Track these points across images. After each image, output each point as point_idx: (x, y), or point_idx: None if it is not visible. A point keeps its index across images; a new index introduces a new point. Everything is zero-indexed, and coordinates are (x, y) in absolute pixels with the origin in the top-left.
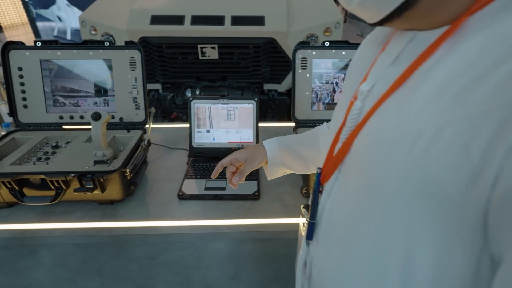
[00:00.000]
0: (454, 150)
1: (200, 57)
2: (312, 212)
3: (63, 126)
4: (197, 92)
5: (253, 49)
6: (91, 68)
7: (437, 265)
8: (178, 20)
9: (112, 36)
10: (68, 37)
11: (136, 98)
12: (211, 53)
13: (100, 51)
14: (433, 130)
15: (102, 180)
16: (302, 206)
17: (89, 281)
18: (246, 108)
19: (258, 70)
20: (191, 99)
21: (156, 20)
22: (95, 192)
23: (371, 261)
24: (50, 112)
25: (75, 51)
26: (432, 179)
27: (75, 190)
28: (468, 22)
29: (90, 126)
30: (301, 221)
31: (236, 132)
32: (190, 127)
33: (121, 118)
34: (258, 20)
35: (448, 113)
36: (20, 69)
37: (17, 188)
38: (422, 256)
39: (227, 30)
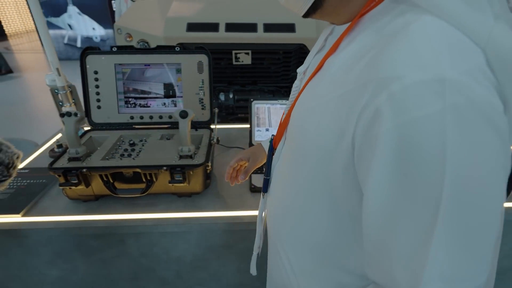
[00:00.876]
0: (334, 116)
1: (234, 62)
2: (267, 170)
3: (134, 126)
4: (230, 96)
5: (284, 54)
6: (161, 71)
7: (325, 208)
8: (213, 27)
9: (147, 42)
10: (78, 44)
11: (202, 99)
12: (245, 58)
13: (171, 55)
14: (328, 101)
15: (191, 173)
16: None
17: (166, 270)
18: None
19: (287, 75)
20: (251, 100)
21: (192, 27)
22: (179, 184)
23: (303, 203)
24: (121, 112)
25: (147, 55)
26: (322, 138)
27: (170, 182)
28: (361, 20)
29: (159, 126)
30: None
31: None
32: (251, 126)
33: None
34: (289, 27)
35: (335, 89)
36: (95, 72)
37: (111, 181)
38: (319, 201)
39: (261, 36)
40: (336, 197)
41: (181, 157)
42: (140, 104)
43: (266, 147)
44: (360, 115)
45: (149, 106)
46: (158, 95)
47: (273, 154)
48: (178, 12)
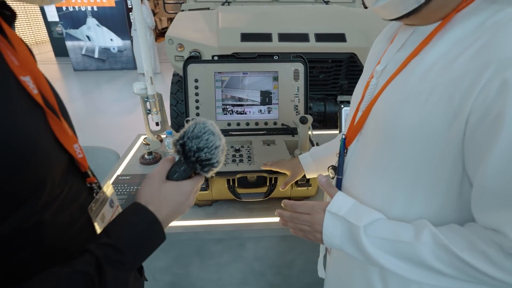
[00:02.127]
0: (442, 100)
1: None
2: (339, 169)
3: (230, 133)
4: None
5: (335, 63)
6: (258, 79)
7: (430, 191)
8: (266, 37)
9: (199, 52)
10: (96, 55)
11: (297, 106)
12: None
13: (269, 64)
14: (428, 90)
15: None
16: (328, 167)
17: (276, 275)
18: None
19: (336, 83)
20: (342, 106)
21: (246, 37)
22: (301, 188)
23: (383, 195)
24: (219, 119)
25: (246, 64)
26: (428, 122)
27: (298, 186)
28: (455, 17)
29: (255, 133)
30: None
31: None
32: (340, 131)
33: (282, 124)
34: (340, 37)
35: (438, 78)
36: (196, 80)
37: (236, 186)
38: (422, 184)
39: (313, 46)
40: (440, 178)
41: None
42: (237, 111)
43: (305, 163)
44: (479, 94)
45: (245, 113)
46: (254, 102)
47: (345, 153)
48: (230, 23)
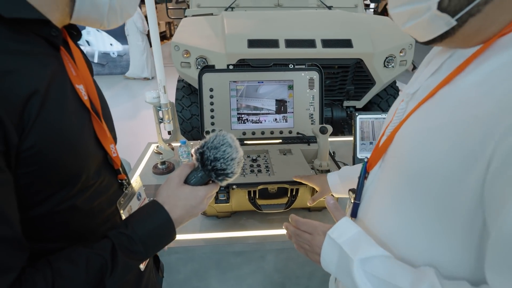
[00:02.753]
0: (463, 139)
1: None
2: (358, 194)
3: (245, 141)
4: None
5: (341, 68)
6: (274, 88)
7: (446, 237)
8: (273, 43)
9: (205, 58)
10: (95, 60)
11: (312, 114)
12: None
13: (284, 72)
14: (451, 125)
15: None
16: (349, 190)
17: (295, 285)
18: None
19: (343, 88)
20: (356, 114)
21: (253, 43)
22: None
23: (395, 230)
24: (234, 128)
25: (261, 73)
26: (445, 162)
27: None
28: (497, 42)
29: (271, 142)
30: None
31: None
32: (355, 139)
33: (298, 133)
34: (347, 43)
35: (464, 112)
36: (211, 89)
37: (257, 197)
38: (438, 227)
39: (320, 52)
40: (457, 225)
41: (318, 171)
42: (252, 120)
43: (332, 183)
44: (504, 136)
45: (260, 122)
46: (270, 111)
47: (365, 177)
48: (236, 29)
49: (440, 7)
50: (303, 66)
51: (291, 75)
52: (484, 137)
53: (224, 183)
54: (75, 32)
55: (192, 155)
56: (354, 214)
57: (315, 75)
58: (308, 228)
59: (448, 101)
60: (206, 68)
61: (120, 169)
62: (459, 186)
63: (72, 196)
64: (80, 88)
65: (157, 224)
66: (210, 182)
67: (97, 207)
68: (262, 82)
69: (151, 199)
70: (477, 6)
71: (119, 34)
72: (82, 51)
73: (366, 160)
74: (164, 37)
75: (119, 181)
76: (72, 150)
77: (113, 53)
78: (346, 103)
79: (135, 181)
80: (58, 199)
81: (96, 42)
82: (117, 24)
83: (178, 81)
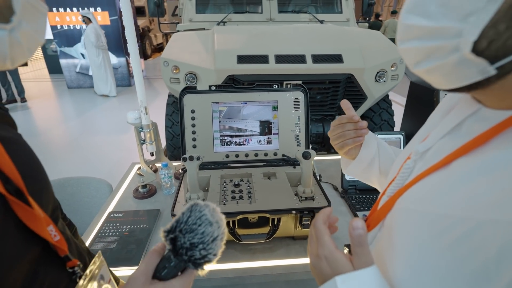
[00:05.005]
0: (475, 244)
1: None
2: None
3: (228, 165)
4: None
5: (332, 84)
6: (257, 109)
7: None
8: (263, 59)
9: (195, 74)
10: (90, 73)
11: (298, 135)
12: None
13: (268, 93)
14: (470, 224)
15: None
16: (344, 245)
17: None
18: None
19: (334, 104)
20: None
21: (243, 59)
22: (306, 229)
23: None
24: (217, 151)
25: (244, 93)
26: (453, 270)
27: (303, 227)
28: None
29: (255, 164)
30: None
31: None
32: None
33: (283, 155)
34: (337, 58)
35: (483, 209)
36: (192, 111)
37: (236, 227)
38: None
39: (310, 67)
40: None
41: (302, 198)
42: (235, 142)
43: (370, 152)
44: None
45: (244, 144)
46: (254, 133)
47: None
48: (225, 44)
49: (476, 49)
50: (288, 87)
51: (276, 96)
52: (503, 251)
53: (205, 271)
54: None
55: (162, 237)
56: None
57: (300, 96)
58: (318, 238)
59: (464, 184)
60: (187, 89)
61: (69, 254)
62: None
63: None
64: None
65: None
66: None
67: None
68: (246, 103)
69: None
70: None
71: (114, 47)
72: None
73: (364, 218)
74: (161, 49)
75: (70, 270)
76: None
77: None
78: None
79: (93, 263)
80: None
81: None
82: (25, 59)
83: (169, 96)
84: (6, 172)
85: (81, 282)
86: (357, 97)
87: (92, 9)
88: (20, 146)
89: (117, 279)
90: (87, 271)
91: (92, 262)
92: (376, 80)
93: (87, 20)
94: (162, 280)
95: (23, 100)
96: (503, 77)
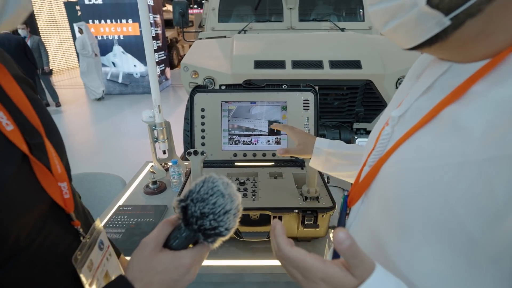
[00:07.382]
0: (478, 189)
1: None
2: None
3: (235, 164)
4: None
5: (350, 90)
6: (267, 109)
7: None
8: (280, 64)
9: (213, 79)
10: (120, 80)
11: None
12: None
13: (278, 93)
14: (459, 167)
15: (322, 217)
16: (328, 227)
17: None
18: None
19: (352, 110)
20: (355, 137)
21: (259, 64)
22: (309, 229)
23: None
24: (225, 149)
25: (254, 93)
26: (452, 215)
27: (305, 226)
28: (509, 59)
29: (263, 164)
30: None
31: None
32: None
33: (291, 156)
34: (355, 64)
35: (475, 151)
36: (202, 109)
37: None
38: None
39: (327, 73)
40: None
41: (306, 198)
42: (243, 141)
43: (319, 153)
44: None
45: (252, 144)
46: (262, 133)
47: (347, 214)
48: (243, 50)
49: (431, 3)
50: (298, 87)
51: (285, 96)
52: (508, 188)
53: (216, 244)
54: None
55: (174, 208)
56: (336, 255)
57: (310, 96)
58: (298, 267)
59: (452, 131)
60: (198, 88)
61: (73, 214)
62: (470, 248)
63: None
64: None
65: None
66: (199, 241)
67: (40, 274)
68: (255, 103)
69: (121, 274)
70: (477, 4)
71: (142, 55)
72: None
73: (346, 194)
74: None
75: (75, 228)
76: None
77: (136, 74)
78: (356, 125)
79: (93, 228)
80: None
81: (121, 63)
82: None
83: (188, 100)
84: (33, 124)
85: (83, 241)
86: (376, 103)
87: (124, 21)
88: (42, 106)
89: (118, 252)
90: (90, 232)
91: (92, 226)
92: (397, 87)
93: (80, 30)
94: (173, 250)
95: (58, 104)
96: (459, 26)
